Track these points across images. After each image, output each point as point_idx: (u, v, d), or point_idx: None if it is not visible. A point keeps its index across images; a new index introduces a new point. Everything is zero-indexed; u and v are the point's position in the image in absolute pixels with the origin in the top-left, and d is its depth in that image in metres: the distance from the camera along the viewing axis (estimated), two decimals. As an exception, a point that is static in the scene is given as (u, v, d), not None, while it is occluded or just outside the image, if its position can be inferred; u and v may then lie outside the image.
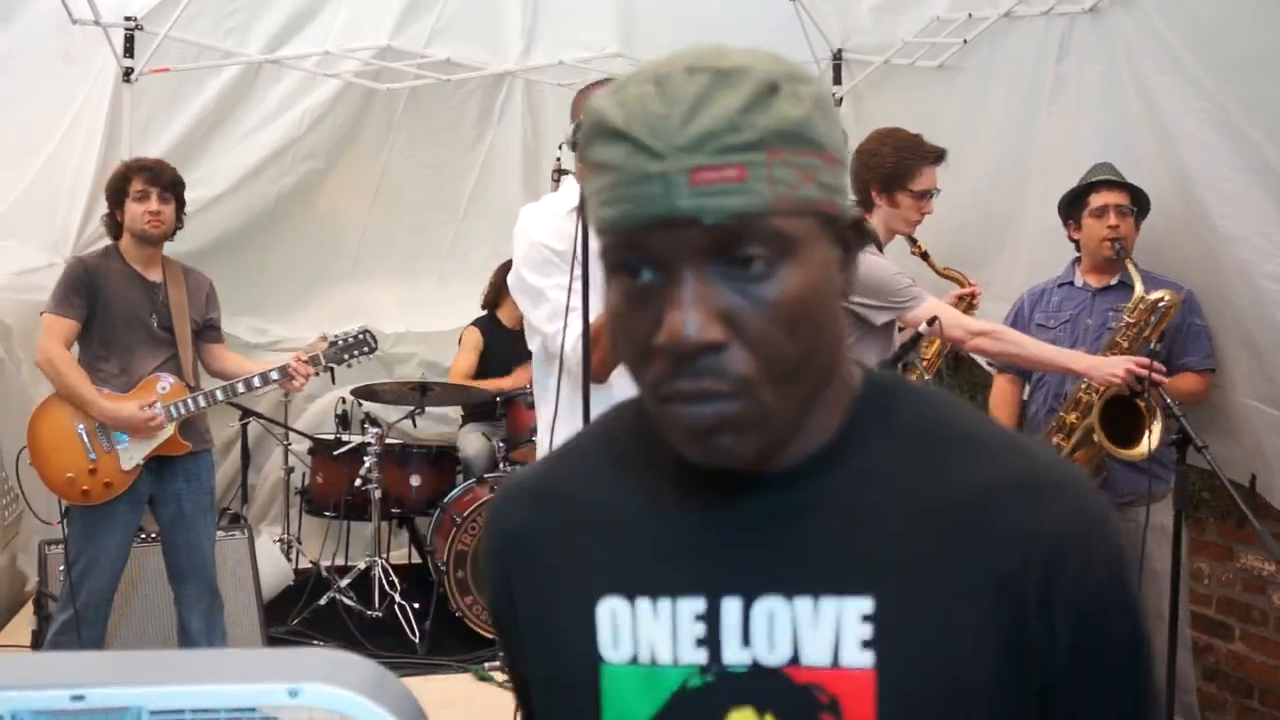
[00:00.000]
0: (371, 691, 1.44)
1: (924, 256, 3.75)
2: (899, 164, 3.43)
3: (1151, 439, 3.33)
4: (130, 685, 1.40)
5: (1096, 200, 3.62)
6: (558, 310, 2.66)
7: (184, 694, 1.39)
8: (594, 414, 2.62)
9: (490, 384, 5.64)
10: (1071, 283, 3.73)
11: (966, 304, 3.72)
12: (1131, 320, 3.44)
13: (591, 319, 2.68)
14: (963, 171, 4.83)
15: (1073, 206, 3.71)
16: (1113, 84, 4.02)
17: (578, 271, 2.53)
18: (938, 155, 3.49)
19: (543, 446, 2.90)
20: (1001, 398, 3.84)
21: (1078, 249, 3.75)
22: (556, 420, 2.77)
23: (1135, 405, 3.33)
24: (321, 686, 1.42)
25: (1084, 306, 3.65)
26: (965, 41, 4.85)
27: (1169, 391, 3.19)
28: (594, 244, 2.73)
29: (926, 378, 3.33)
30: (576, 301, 2.58)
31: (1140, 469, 3.41)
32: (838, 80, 5.84)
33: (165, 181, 3.83)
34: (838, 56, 5.83)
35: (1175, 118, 3.66)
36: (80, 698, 1.43)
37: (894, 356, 3.33)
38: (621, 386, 2.79)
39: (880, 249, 3.50)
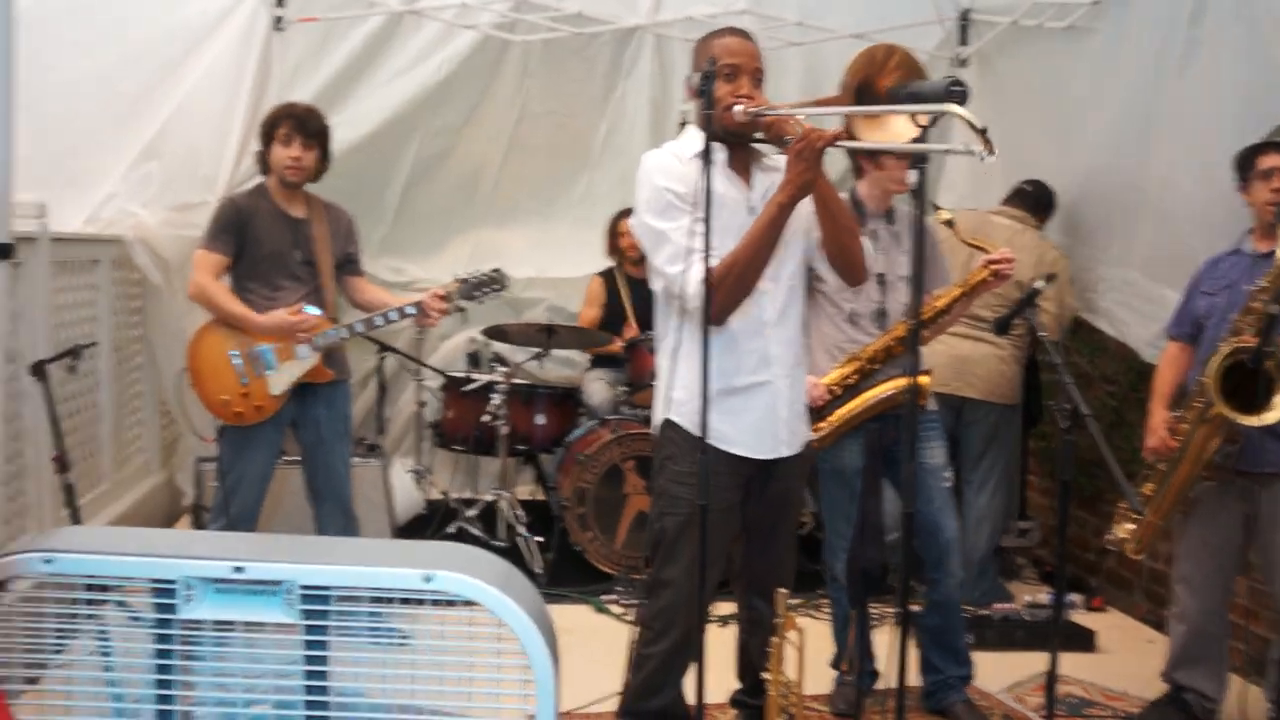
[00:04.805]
0: (500, 583, 1.66)
1: (949, 224, 3.65)
2: None
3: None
4: (286, 562, 1.65)
5: (1263, 162, 3.45)
6: (679, 253, 2.82)
7: (331, 573, 1.63)
8: (714, 354, 2.74)
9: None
10: (1240, 249, 3.56)
11: (991, 273, 3.54)
12: (1265, 284, 3.28)
13: (713, 262, 2.80)
14: (1087, 137, 4.79)
15: (1243, 170, 3.53)
16: (1254, 46, 3.92)
17: (701, 215, 2.66)
18: None
19: (662, 386, 3.04)
20: (1172, 368, 3.69)
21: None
22: (677, 360, 2.94)
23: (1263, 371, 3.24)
24: (454, 574, 1.65)
25: (1244, 273, 3.47)
26: (1096, 1, 4.78)
27: None
28: (716, 189, 2.84)
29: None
30: (699, 244, 2.70)
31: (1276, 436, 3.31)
32: (964, 41, 5.79)
33: (311, 130, 4.01)
34: (964, 16, 5.77)
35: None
36: (241, 569, 1.70)
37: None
38: (739, 327, 2.93)
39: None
